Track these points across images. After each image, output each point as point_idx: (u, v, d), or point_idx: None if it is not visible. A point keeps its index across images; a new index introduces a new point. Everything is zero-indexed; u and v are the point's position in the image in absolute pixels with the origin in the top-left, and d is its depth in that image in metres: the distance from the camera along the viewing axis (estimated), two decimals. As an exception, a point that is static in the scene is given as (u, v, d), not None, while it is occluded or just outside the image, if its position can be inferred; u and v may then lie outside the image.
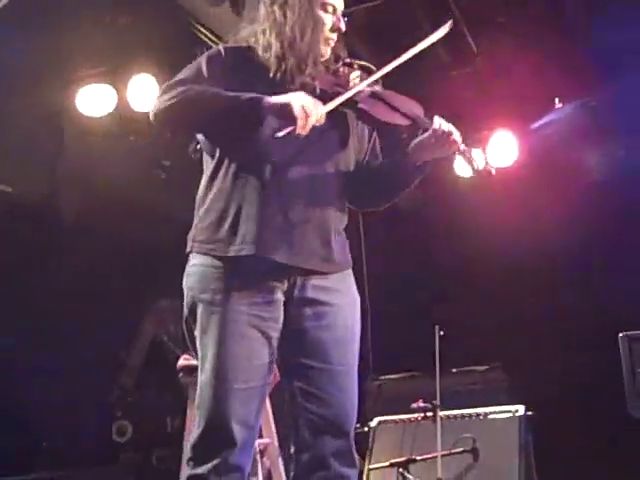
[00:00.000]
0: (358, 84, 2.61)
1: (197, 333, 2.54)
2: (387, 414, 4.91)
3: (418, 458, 4.37)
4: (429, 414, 4.44)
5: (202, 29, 4.92)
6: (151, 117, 2.58)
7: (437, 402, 4.40)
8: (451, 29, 2.71)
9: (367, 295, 2.81)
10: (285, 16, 2.62)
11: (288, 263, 2.51)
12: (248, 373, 2.48)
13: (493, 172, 2.73)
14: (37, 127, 5.64)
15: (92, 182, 6.08)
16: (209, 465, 2.44)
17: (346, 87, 2.61)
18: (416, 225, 6.66)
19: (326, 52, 2.68)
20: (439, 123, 2.59)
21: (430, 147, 2.62)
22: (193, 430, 2.51)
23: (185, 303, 2.59)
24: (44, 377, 5.79)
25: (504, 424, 4.64)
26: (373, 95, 2.63)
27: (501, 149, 6.18)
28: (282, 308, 2.55)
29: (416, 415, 4.59)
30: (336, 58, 2.70)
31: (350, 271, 2.70)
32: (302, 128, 2.40)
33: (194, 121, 2.59)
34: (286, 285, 2.55)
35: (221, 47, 2.69)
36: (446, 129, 2.59)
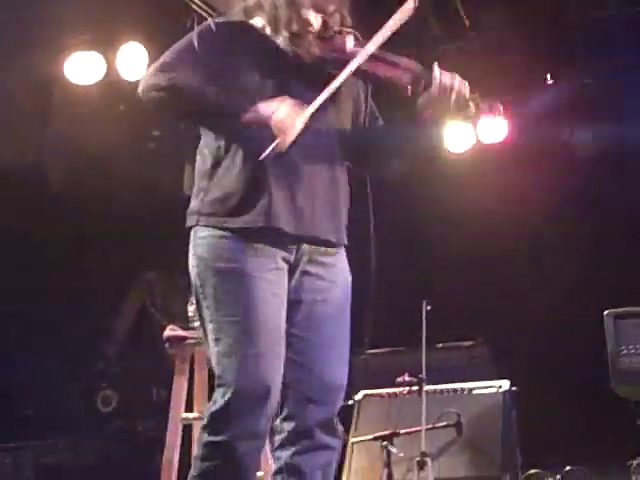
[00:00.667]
0: (353, 51, 2.57)
1: (210, 302, 2.52)
2: (373, 388, 4.93)
3: (402, 432, 4.39)
4: (414, 388, 4.47)
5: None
6: (140, 94, 2.58)
7: (423, 376, 4.42)
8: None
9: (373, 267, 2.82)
10: None
11: (296, 233, 2.54)
12: (273, 337, 2.50)
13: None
14: (24, 95, 5.59)
15: (79, 151, 6.04)
16: (234, 432, 2.43)
17: (343, 55, 2.58)
18: (404, 201, 6.65)
19: (316, 22, 2.63)
20: (439, 72, 2.57)
21: (437, 100, 2.57)
22: (216, 399, 2.47)
23: (195, 273, 2.56)
24: (29, 346, 5.78)
25: (488, 399, 4.67)
26: (372, 57, 2.60)
27: (491, 125, 6.17)
28: (286, 277, 2.57)
29: (401, 389, 4.61)
30: (326, 25, 2.66)
31: (344, 249, 2.72)
32: (282, 145, 2.42)
33: (179, 117, 2.71)
34: (293, 257, 2.57)
35: (212, 22, 2.67)
36: (448, 80, 2.56)
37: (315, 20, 2.61)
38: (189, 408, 3.98)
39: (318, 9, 2.62)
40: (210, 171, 2.58)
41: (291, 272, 2.58)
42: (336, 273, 2.66)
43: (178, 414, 3.87)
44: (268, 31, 2.61)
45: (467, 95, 2.60)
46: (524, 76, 6.02)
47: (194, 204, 2.61)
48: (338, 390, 2.62)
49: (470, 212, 6.25)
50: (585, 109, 6.11)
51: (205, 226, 2.55)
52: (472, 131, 6.22)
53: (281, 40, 2.60)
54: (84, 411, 6.38)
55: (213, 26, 2.64)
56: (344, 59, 2.56)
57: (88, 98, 5.63)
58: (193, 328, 3.94)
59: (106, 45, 5.38)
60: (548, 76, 6.03)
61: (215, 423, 2.46)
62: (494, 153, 6.29)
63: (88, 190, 6.11)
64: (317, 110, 2.49)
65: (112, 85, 5.53)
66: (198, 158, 2.67)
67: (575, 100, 6.05)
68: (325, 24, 2.63)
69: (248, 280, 2.48)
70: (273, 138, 2.41)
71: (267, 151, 2.41)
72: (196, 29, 2.67)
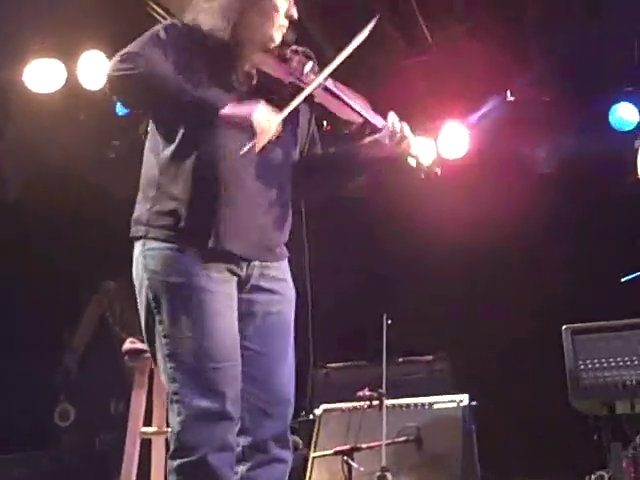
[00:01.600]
0: (312, 77, 2.59)
1: (164, 317, 2.48)
2: (333, 402, 4.91)
3: (363, 446, 4.38)
4: (375, 403, 4.46)
5: (157, 7, 4.85)
6: (106, 83, 2.52)
7: (383, 391, 4.42)
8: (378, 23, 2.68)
9: (309, 283, 2.82)
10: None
11: (245, 255, 2.54)
12: (231, 351, 2.49)
13: (438, 173, 2.77)
14: (-18, 101, 5.51)
15: (38, 160, 5.97)
16: (206, 448, 2.40)
17: (300, 78, 2.59)
18: (364, 213, 6.66)
19: (278, 38, 2.65)
20: (392, 121, 2.62)
21: (382, 145, 2.64)
22: (174, 418, 2.45)
23: (146, 287, 2.51)
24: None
25: (448, 414, 4.68)
26: (326, 90, 2.63)
27: (452, 140, 6.20)
28: (236, 290, 2.56)
29: (362, 403, 4.60)
30: (283, 44, 2.67)
31: (287, 260, 2.73)
32: (260, 144, 2.41)
33: (149, 102, 2.54)
34: (244, 272, 2.57)
35: (177, 21, 2.65)
36: (398, 129, 2.61)
37: (277, 37, 2.63)
38: (148, 422, 3.94)
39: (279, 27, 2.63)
40: (158, 179, 2.54)
41: (243, 285, 2.57)
42: (285, 287, 2.67)
43: (137, 428, 3.84)
44: (220, 38, 2.55)
45: (411, 150, 2.66)
46: (484, 92, 6.07)
47: (141, 213, 2.56)
48: (289, 404, 2.65)
49: (431, 227, 6.26)
50: (545, 125, 6.17)
51: (154, 239, 2.51)
52: (433, 146, 6.25)
53: (234, 50, 2.56)
54: (41, 425, 6.28)
55: (178, 23, 2.62)
56: (300, 84, 2.56)
57: (48, 106, 5.56)
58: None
59: (67, 53, 5.33)
60: (508, 92, 6.07)
61: (183, 445, 2.42)
62: (455, 168, 6.32)
63: (47, 199, 6.03)
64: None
65: (73, 93, 5.48)
66: (144, 162, 2.62)
67: (535, 116, 6.10)
68: (284, 43, 2.64)
69: (203, 294, 2.46)
70: (250, 137, 2.39)
71: (246, 147, 2.38)
72: (160, 25, 2.62)
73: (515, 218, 6.10)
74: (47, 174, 6.01)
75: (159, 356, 2.51)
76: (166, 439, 3.92)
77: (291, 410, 2.66)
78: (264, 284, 2.60)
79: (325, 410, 4.90)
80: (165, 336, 2.47)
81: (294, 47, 2.66)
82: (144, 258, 2.53)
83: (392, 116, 2.64)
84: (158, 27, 2.58)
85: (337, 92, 2.65)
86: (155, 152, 2.58)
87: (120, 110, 5.56)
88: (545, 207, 6.12)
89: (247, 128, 2.40)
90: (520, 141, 6.28)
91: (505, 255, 6.31)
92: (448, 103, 6.11)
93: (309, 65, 2.63)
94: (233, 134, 2.46)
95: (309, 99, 2.58)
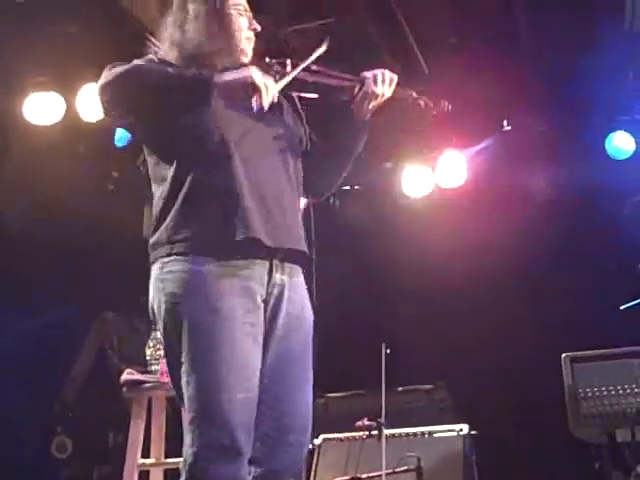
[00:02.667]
0: (294, 68, 2.63)
1: (182, 342, 2.41)
2: (332, 432, 4.89)
3: (363, 477, 4.36)
4: (374, 432, 4.43)
5: (154, 40, 4.88)
6: (98, 90, 2.54)
7: (382, 420, 4.40)
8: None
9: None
10: (199, 12, 2.65)
11: (274, 245, 2.50)
12: (248, 381, 2.43)
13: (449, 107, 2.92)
14: (-19, 134, 5.54)
15: (37, 192, 5.98)
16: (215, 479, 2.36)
17: (283, 74, 2.62)
18: (363, 243, 6.67)
19: (250, 51, 2.71)
20: (371, 73, 2.69)
21: (371, 95, 2.69)
22: (187, 448, 2.39)
23: (164, 310, 2.45)
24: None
25: (448, 443, 4.66)
26: (312, 71, 2.69)
27: (450, 169, 6.23)
28: (262, 316, 2.52)
29: (361, 433, 4.58)
30: (258, 57, 2.72)
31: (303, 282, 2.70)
32: (266, 99, 2.40)
33: (141, 93, 2.51)
34: (264, 290, 2.51)
35: (155, 57, 2.69)
36: (379, 75, 2.68)
37: (248, 49, 2.70)
38: (146, 454, 3.92)
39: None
40: (169, 202, 2.51)
41: (263, 308, 2.53)
42: (307, 310, 2.63)
43: (134, 460, 3.81)
44: (183, 54, 2.62)
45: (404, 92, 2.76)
46: (481, 122, 6.10)
47: (159, 235, 2.51)
48: (306, 430, 2.58)
49: (431, 256, 6.27)
50: (541, 154, 6.20)
51: (176, 260, 2.45)
52: (430, 176, 6.28)
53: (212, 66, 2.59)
54: (39, 457, 6.24)
55: (155, 59, 2.66)
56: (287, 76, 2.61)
57: (47, 138, 5.58)
58: (151, 372, 3.89)
59: (66, 86, 5.36)
60: (505, 122, 6.11)
61: (198, 471, 2.38)
62: (453, 198, 6.34)
63: (46, 230, 6.04)
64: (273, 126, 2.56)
65: (72, 125, 5.51)
66: (154, 187, 2.60)
67: (531, 145, 6.14)
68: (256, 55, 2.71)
69: (224, 320, 2.40)
70: (249, 98, 2.40)
71: (255, 103, 2.38)
72: (140, 59, 2.66)
73: (514, 247, 6.11)
74: (46, 206, 6.02)
75: (177, 382, 2.46)
76: (165, 471, 3.93)
77: (308, 436, 2.59)
78: (284, 306, 2.55)
79: (324, 440, 4.88)
80: (183, 363, 2.42)
81: (267, 60, 2.68)
82: (162, 282, 2.47)
83: (366, 73, 2.71)
84: (138, 60, 2.63)
85: (322, 69, 2.71)
86: (159, 180, 2.57)
87: (119, 142, 5.59)
88: (543, 236, 6.14)
89: (248, 86, 2.41)
90: (518, 170, 6.31)
91: (504, 284, 6.31)
92: (446, 132, 6.15)
93: (288, 63, 2.66)
94: (230, 133, 2.50)
95: (302, 81, 2.64)
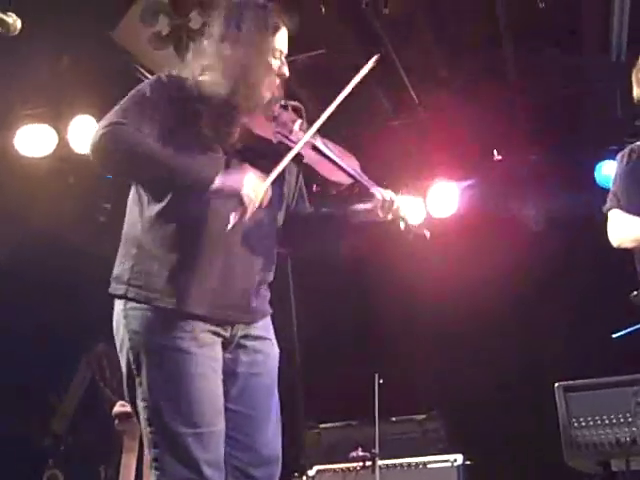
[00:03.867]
0: (301, 135, 2.60)
1: (143, 379, 2.41)
2: (326, 463, 4.86)
3: (357, 508, 4.33)
4: (368, 463, 4.41)
5: (145, 72, 4.91)
6: (89, 153, 2.50)
7: (376, 451, 4.38)
8: (377, 63, 2.73)
9: (296, 339, 2.81)
10: (236, 54, 2.59)
11: (213, 317, 2.48)
12: (212, 416, 2.42)
13: (427, 235, 2.76)
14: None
15: (29, 223, 5.97)
16: None
17: (288, 137, 2.60)
18: (354, 272, 6.67)
19: (269, 96, 2.67)
20: (380, 194, 2.63)
21: (372, 213, 2.65)
22: None
23: (128, 347, 2.46)
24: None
25: (442, 473, 4.64)
26: (315, 149, 2.64)
27: (441, 199, 6.25)
28: (221, 351, 2.52)
29: (355, 464, 4.56)
30: (272, 100, 2.68)
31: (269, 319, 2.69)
32: (248, 215, 2.40)
33: (134, 176, 2.56)
34: (228, 333, 2.52)
35: (163, 75, 2.63)
36: (388, 198, 2.63)
37: (268, 95, 2.65)
38: (137, 487, 3.88)
39: (270, 87, 2.65)
40: (140, 237, 2.51)
41: (227, 345, 2.53)
42: (269, 345, 2.63)
43: (126, 493, 3.77)
44: (224, 91, 2.55)
45: (401, 214, 2.68)
46: (472, 152, 6.14)
47: (122, 271, 2.51)
48: (275, 462, 2.57)
49: (422, 286, 6.28)
50: (531, 184, 6.23)
51: (134, 299, 2.46)
52: (422, 205, 6.29)
53: (233, 103, 2.55)
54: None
55: (163, 76, 2.61)
56: (288, 143, 2.57)
57: (38, 170, 5.59)
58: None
59: (57, 118, 5.38)
60: (495, 152, 6.15)
61: None
62: (444, 227, 6.36)
63: (37, 262, 6.02)
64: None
65: (63, 157, 5.52)
66: (128, 214, 2.60)
67: (521, 175, 6.17)
68: (272, 99, 2.65)
69: (184, 356, 2.40)
70: (236, 206, 2.38)
71: (233, 221, 2.37)
72: (147, 80, 2.64)
73: (505, 276, 6.12)
74: (37, 237, 6.00)
75: (140, 418, 2.45)
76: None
77: (278, 469, 2.58)
78: (248, 343, 2.56)
79: (318, 471, 4.85)
80: (144, 399, 2.41)
81: (283, 102, 2.68)
82: (125, 318, 2.47)
83: (381, 190, 2.65)
84: (144, 85, 2.58)
85: (326, 151, 2.66)
86: (139, 206, 2.56)
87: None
88: (535, 265, 6.15)
89: (236, 201, 2.39)
90: (508, 200, 6.34)
91: (496, 313, 6.31)
92: (436, 162, 6.18)
93: (298, 123, 2.64)
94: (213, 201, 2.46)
95: (297, 159, 2.59)
